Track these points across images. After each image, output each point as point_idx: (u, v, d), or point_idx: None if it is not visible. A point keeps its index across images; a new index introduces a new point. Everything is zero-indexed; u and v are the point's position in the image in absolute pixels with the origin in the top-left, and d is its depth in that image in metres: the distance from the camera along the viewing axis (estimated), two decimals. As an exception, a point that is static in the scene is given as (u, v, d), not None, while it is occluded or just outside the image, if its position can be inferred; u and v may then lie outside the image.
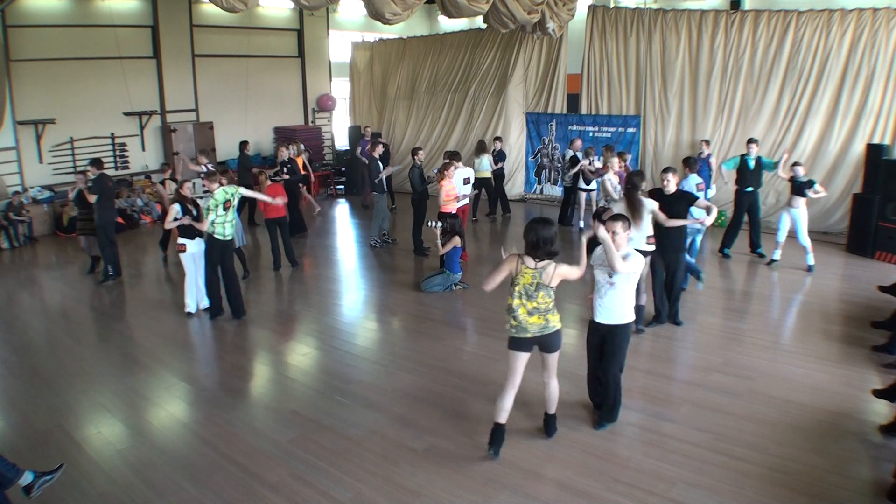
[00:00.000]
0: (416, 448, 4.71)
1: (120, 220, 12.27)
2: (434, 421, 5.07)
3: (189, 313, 7.62)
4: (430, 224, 8.40)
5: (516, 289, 4.32)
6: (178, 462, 4.60)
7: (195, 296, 7.66)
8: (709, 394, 5.37)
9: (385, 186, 10.48)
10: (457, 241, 8.31)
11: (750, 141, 9.18)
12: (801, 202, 8.47)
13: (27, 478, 3.89)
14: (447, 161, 9.11)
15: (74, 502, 4.16)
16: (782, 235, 8.74)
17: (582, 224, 11.28)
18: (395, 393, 5.59)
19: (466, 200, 9.76)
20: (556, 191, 13.63)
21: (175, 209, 7.34)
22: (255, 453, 4.69)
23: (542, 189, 13.96)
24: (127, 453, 4.73)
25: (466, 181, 9.55)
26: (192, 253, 7.48)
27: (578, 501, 4.06)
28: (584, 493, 4.13)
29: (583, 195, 11.30)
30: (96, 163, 8.87)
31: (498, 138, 12.85)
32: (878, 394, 5.04)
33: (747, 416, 5.00)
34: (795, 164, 8.69)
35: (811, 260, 8.71)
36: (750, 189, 9.13)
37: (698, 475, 4.27)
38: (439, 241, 8.29)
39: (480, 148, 12.26)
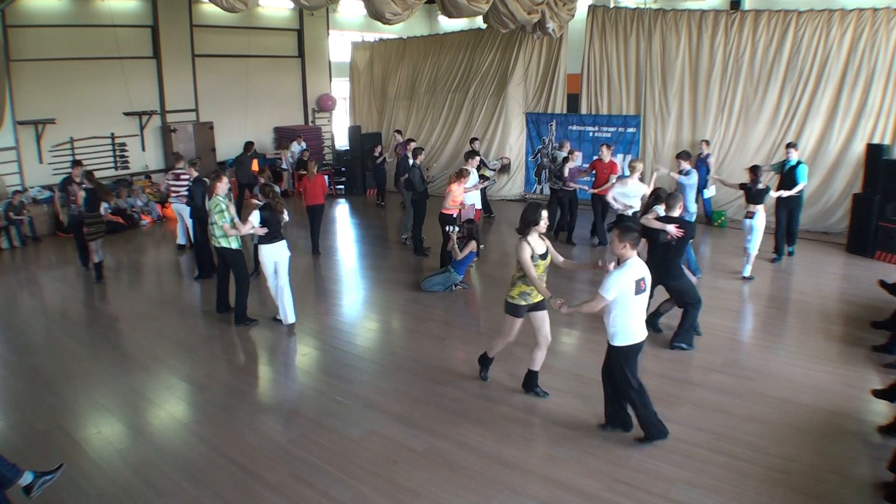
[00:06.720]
0: (416, 448, 4.71)
1: (120, 219, 12.32)
2: (434, 421, 5.07)
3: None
4: (448, 230, 8.41)
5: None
6: (178, 462, 4.60)
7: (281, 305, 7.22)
8: (709, 394, 5.37)
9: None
10: (473, 245, 8.32)
11: (789, 146, 9.16)
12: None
13: (27, 478, 3.90)
14: (463, 167, 9.05)
15: (74, 502, 4.16)
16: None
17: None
18: (395, 393, 5.59)
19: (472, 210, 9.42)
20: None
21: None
22: (255, 453, 4.69)
23: (542, 189, 13.94)
24: (127, 453, 4.74)
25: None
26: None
27: (578, 501, 4.06)
28: (584, 493, 4.14)
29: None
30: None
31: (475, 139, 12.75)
32: (878, 394, 5.04)
33: (747, 416, 5.00)
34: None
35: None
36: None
37: (698, 475, 4.27)
38: (456, 247, 8.29)
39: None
